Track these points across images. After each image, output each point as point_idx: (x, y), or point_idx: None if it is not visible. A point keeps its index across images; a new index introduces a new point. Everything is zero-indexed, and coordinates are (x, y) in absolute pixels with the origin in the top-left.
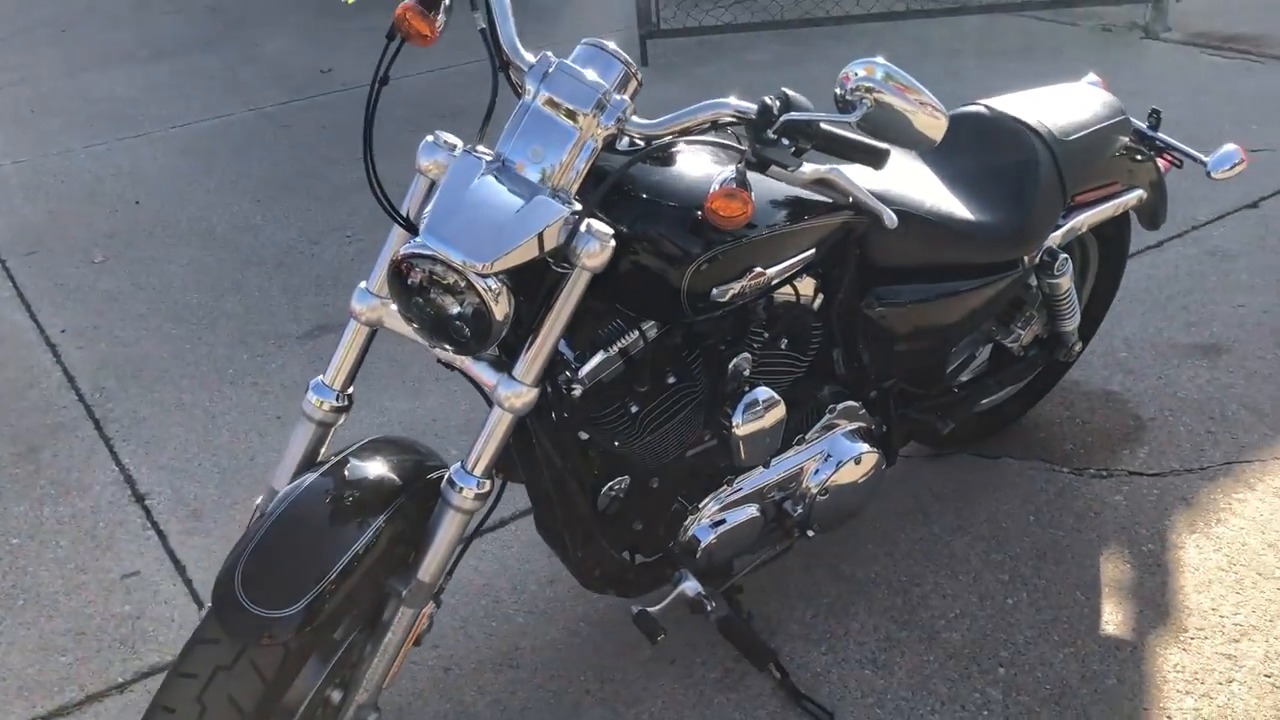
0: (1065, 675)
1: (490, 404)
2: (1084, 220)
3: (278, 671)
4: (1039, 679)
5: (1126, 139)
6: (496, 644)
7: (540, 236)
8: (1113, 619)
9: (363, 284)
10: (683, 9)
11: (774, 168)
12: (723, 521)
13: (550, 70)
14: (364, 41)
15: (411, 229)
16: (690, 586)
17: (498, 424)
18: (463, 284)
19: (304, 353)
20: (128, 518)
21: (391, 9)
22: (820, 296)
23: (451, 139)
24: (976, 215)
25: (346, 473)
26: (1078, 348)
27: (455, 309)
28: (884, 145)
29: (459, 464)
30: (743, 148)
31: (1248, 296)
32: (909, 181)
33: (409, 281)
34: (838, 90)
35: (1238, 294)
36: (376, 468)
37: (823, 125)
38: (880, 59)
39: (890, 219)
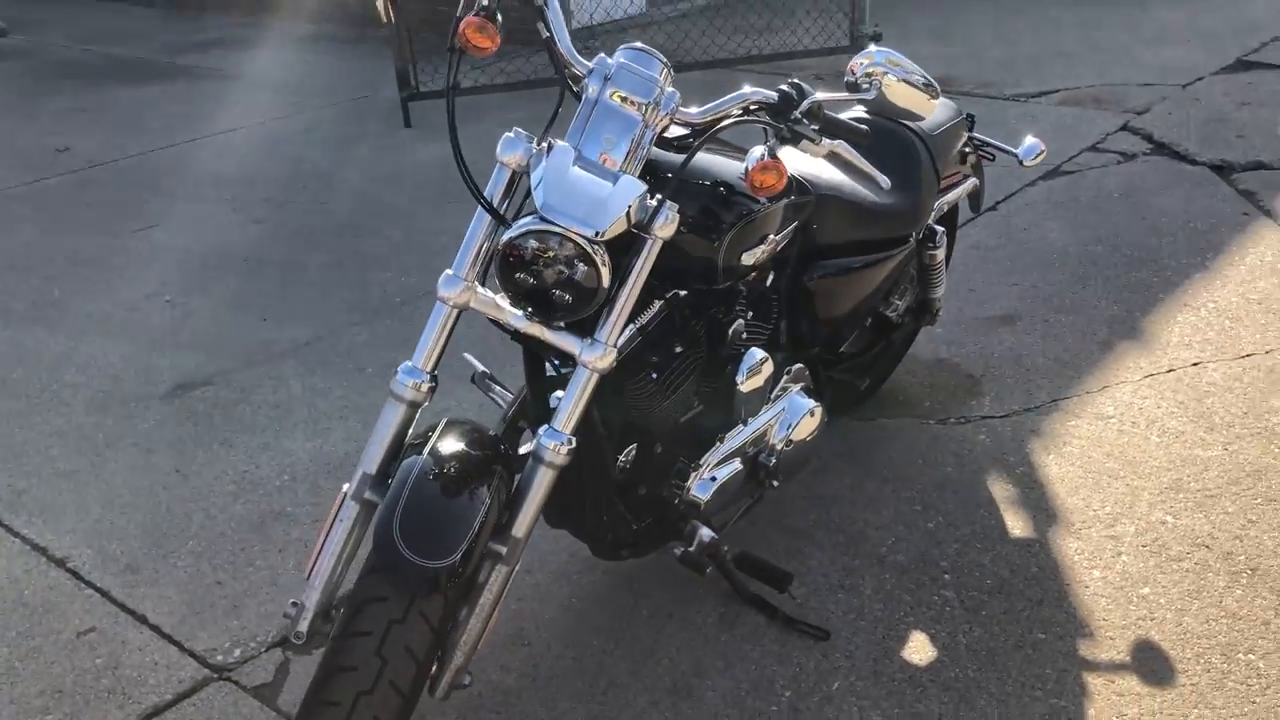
0: (998, 571)
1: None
2: (947, 201)
3: (440, 620)
4: (979, 577)
5: (966, 134)
6: (501, 629)
7: (629, 211)
8: (1016, 525)
9: (448, 271)
10: (441, 72)
11: (804, 142)
12: (715, 478)
13: (611, 71)
14: (86, 119)
15: (498, 217)
16: (706, 533)
17: (586, 384)
18: (575, 254)
19: (174, 410)
20: (56, 582)
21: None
22: (772, 273)
23: (527, 134)
24: (880, 198)
25: (450, 447)
26: (940, 313)
27: (559, 280)
28: (864, 128)
29: (546, 425)
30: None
31: (1018, 277)
32: (827, 169)
33: (526, 257)
34: (848, 77)
35: (1009, 276)
36: (469, 442)
37: (824, 110)
38: (876, 47)
39: (885, 182)
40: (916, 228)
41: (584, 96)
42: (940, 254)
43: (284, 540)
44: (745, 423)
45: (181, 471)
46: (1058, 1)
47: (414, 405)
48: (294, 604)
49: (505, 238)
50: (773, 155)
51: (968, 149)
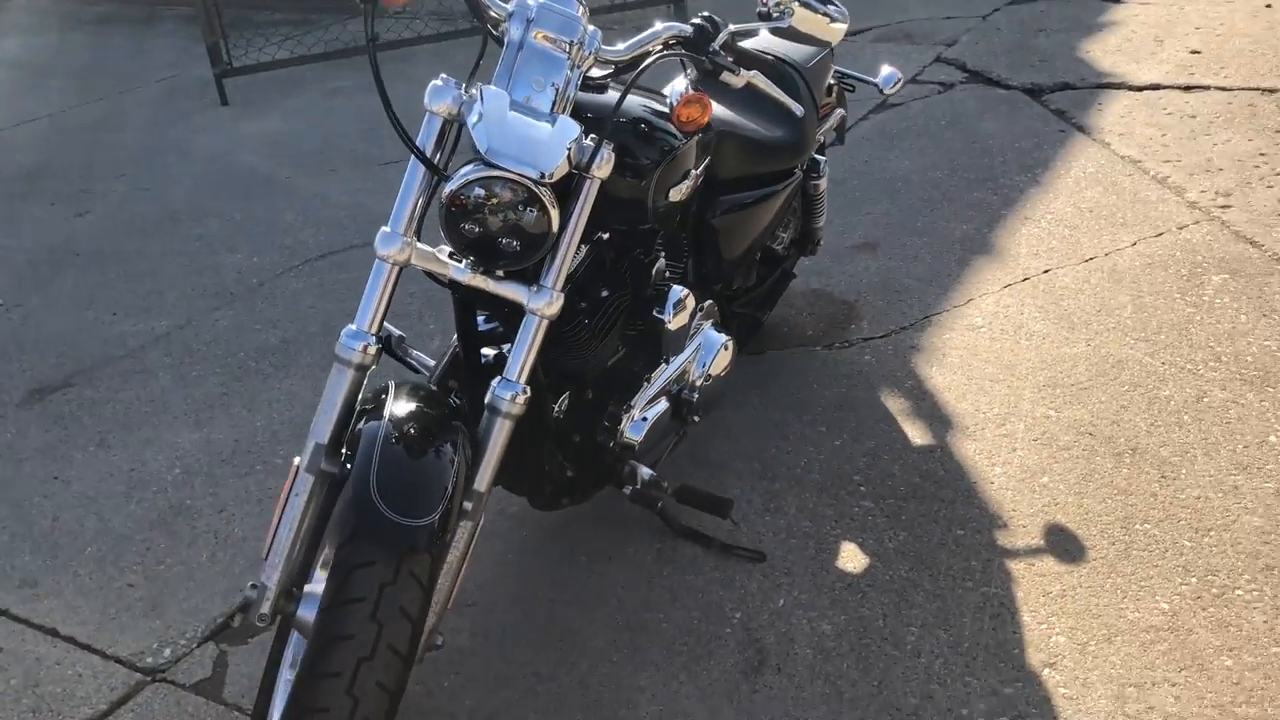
0: (908, 478)
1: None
2: (822, 132)
3: (429, 578)
4: (892, 485)
5: (833, 66)
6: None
7: (569, 152)
8: (916, 434)
9: (384, 229)
10: (254, 46)
11: (725, 74)
12: (645, 418)
13: (533, 13)
14: None
15: (433, 168)
16: (644, 472)
17: (536, 332)
18: (524, 198)
19: (35, 416)
20: None
21: None
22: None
23: (455, 81)
24: (770, 131)
25: (407, 408)
26: (822, 243)
27: (505, 226)
28: (769, 56)
29: (499, 378)
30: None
31: (869, 206)
32: (717, 106)
33: (470, 206)
34: (760, 7)
35: (861, 206)
36: (425, 402)
37: (737, 42)
38: None
39: (799, 109)
40: (803, 159)
41: (507, 40)
42: (823, 184)
43: (190, 534)
44: (668, 361)
45: (61, 478)
46: None
47: (361, 369)
48: (253, 586)
49: (452, 186)
50: (695, 89)
51: (832, 80)
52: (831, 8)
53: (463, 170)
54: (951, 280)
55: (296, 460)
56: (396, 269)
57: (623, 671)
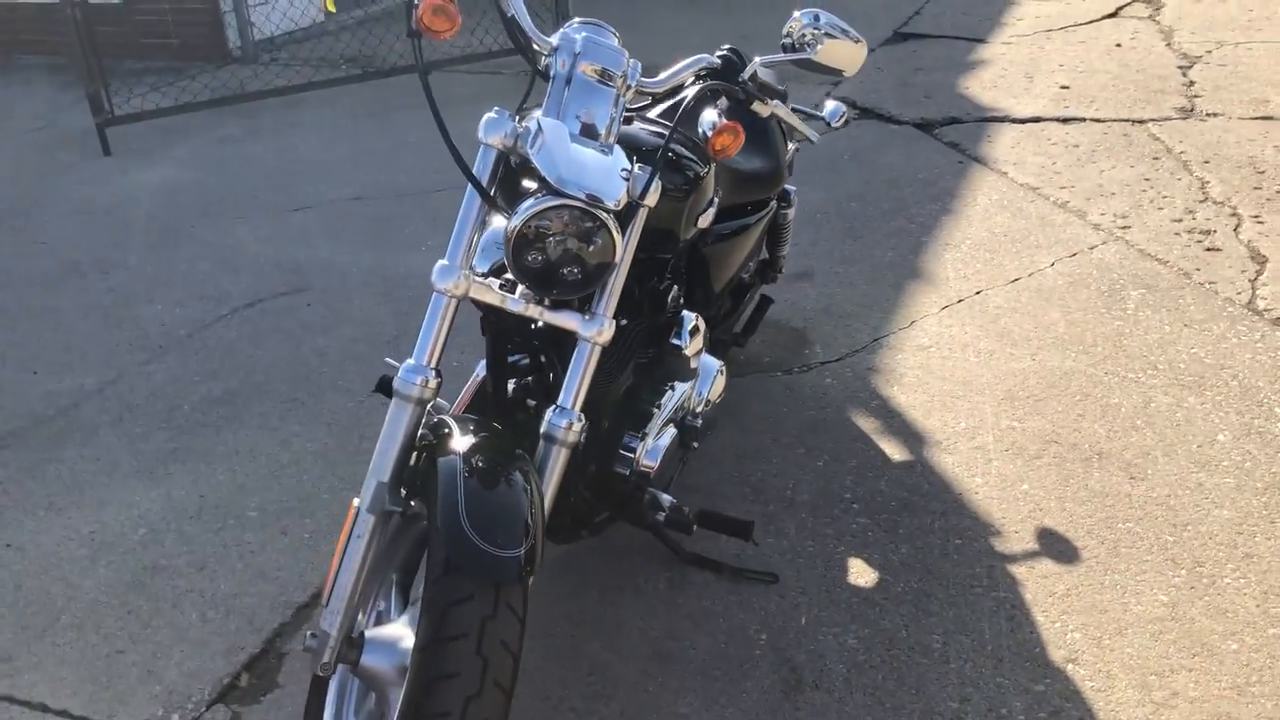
0: (896, 493)
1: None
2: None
3: (523, 609)
4: (883, 501)
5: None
6: None
7: (627, 181)
8: (893, 451)
9: (441, 262)
10: (136, 94)
11: (756, 103)
12: (660, 445)
13: (579, 46)
14: None
15: (489, 199)
16: (665, 498)
17: (589, 359)
18: (595, 226)
19: None
20: None
21: None
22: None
23: (509, 112)
24: (751, 162)
25: (475, 442)
26: (782, 269)
27: (568, 256)
28: (782, 88)
29: (554, 406)
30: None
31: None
32: None
33: (530, 236)
34: (787, 39)
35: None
36: (489, 435)
37: (759, 74)
38: (801, 11)
39: (814, 136)
40: (778, 189)
41: (553, 73)
42: (791, 213)
43: (173, 594)
44: (673, 388)
45: (14, 545)
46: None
47: (421, 404)
48: (313, 635)
49: (525, 214)
50: (730, 118)
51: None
52: (853, 32)
53: (531, 201)
54: (890, 304)
55: (355, 501)
56: (455, 302)
57: (661, 700)
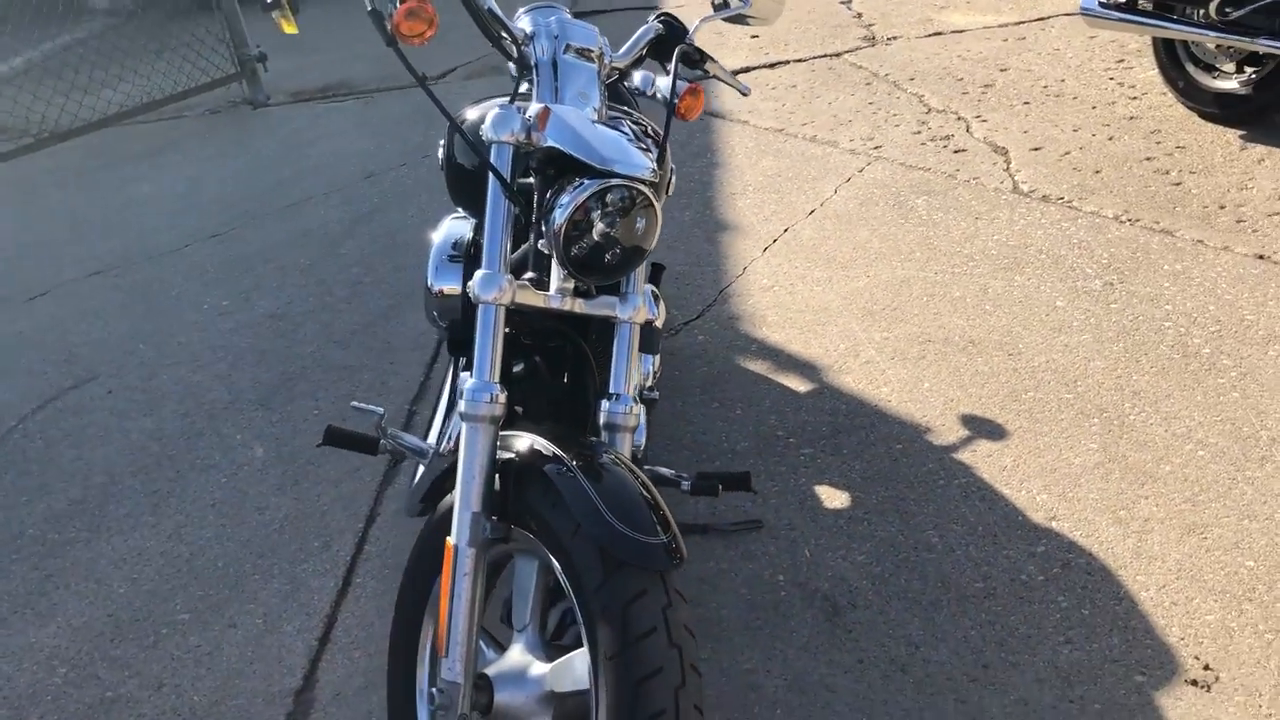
0: (822, 420)
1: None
2: None
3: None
4: (815, 427)
5: None
6: None
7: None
8: (796, 382)
9: (482, 271)
10: None
11: (706, 62)
12: (641, 423)
13: (556, 29)
14: None
15: (515, 199)
16: (663, 470)
17: (631, 340)
18: (645, 202)
19: None
20: None
21: None
22: None
23: (516, 106)
24: None
25: (557, 448)
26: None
27: (612, 238)
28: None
29: (608, 395)
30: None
31: None
32: None
33: (585, 222)
34: None
35: None
36: (564, 440)
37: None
38: None
39: (745, 89)
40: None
41: (536, 59)
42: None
43: None
44: (645, 360)
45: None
46: None
47: (495, 421)
48: (440, 690)
49: (582, 197)
50: (689, 81)
51: None
52: None
53: (581, 185)
54: (716, 258)
55: (450, 540)
56: (504, 310)
57: (721, 665)
